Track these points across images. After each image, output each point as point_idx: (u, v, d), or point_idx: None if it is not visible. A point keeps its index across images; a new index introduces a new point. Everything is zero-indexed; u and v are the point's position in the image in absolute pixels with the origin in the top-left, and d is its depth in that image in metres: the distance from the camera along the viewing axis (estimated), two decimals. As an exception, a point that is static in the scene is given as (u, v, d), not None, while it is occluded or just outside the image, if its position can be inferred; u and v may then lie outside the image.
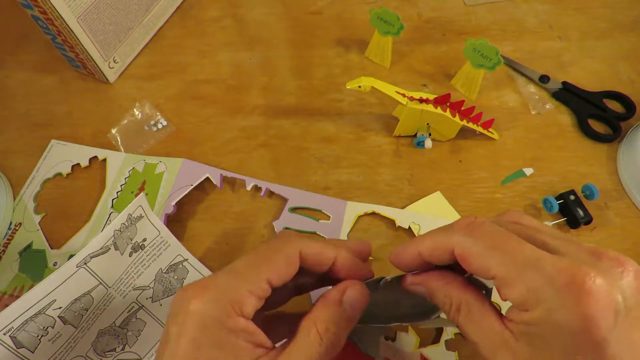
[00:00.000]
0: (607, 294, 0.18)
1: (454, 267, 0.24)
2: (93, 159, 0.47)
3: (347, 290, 0.25)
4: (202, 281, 0.24)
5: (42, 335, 0.33)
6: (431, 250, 0.24)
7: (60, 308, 0.33)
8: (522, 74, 0.51)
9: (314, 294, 0.36)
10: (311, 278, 0.29)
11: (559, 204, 0.41)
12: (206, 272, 0.40)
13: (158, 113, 0.50)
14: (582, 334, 0.18)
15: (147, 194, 0.44)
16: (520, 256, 0.20)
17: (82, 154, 0.47)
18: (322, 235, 0.42)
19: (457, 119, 0.43)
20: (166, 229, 0.40)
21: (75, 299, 0.34)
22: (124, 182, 0.45)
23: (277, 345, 0.24)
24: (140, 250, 0.39)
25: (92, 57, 0.48)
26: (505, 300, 0.21)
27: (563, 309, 0.18)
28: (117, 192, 0.44)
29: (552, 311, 0.19)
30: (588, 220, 0.41)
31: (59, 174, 0.46)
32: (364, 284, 0.26)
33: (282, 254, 0.25)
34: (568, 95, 0.49)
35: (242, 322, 0.23)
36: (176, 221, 0.43)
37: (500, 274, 0.20)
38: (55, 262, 0.41)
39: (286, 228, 0.42)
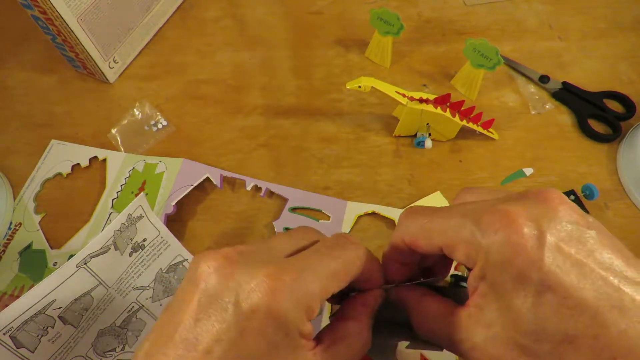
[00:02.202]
0: (524, 219, 0.19)
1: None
2: (93, 159, 0.47)
3: (379, 299, 0.26)
4: (274, 261, 0.21)
5: (42, 335, 0.33)
6: (392, 251, 0.25)
7: (60, 308, 0.33)
8: (522, 74, 0.51)
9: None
10: None
11: (559, 204, 0.41)
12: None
13: (158, 113, 0.50)
14: (517, 260, 0.18)
15: (147, 194, 0.44)
16: (453, 220, 0.21)
17: (82, 154, 0.47)
18: (322, 235, 0.42)
19: (457, 119, 0.43)
20: (166, 229, 0.40)
21: (75, 299, 0.34)
22: (124, 182, 0.45)
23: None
24: (140, 250, 0.39)
25: (92, 57, 0.48)
26: (459, 268, 0.21)
27: (494, 246, 0.19)
28: (117, 192, 0.44)
29: (489, 253, 0.19)
30: (588, 220, 0.41)
31: (59, 174, 0.46)
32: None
33: (353, 266, 0.23)
34: (568, 95, 0.49)
35: (309, 327, 0.21)
36: (176, 221, 0.43)
37: (441, 242, 0.21)
38: (55, 262, 0.41)
39: (286, 228, 0.42)
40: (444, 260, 0.27)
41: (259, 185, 0.44)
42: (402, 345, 0.30)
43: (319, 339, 0.23)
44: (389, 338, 0.28)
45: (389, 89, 0.43)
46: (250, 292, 0.19)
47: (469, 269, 0.21)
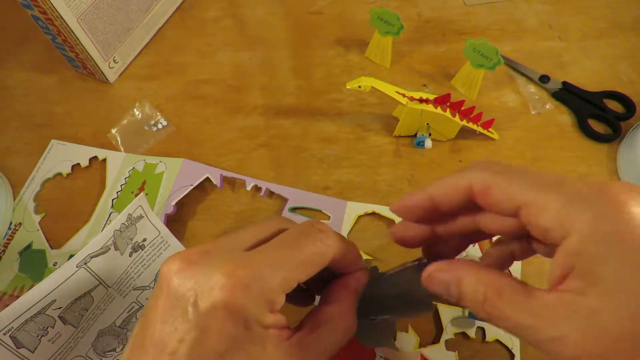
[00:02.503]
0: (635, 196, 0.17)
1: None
2: (93, 159, 0.47)
3: (361, 281, 0.25)
4: (233, 257, 0.21)
5: (42, 335, 0.33)
6: (444, 190, 0.22)
7: (60, 308, 0.33)
8: (522, 74, 0.51)
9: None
10: None
11: (559, 204, 0.41)
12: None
13: (158, 113, 0.50)
14: (629, 235, 0.16)
15: (147, 194, 0.44)
16: (544, 179, 0.19)
17: (82, 154, 0.47)
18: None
19: (457, 119, 0.43)
20: (166, 229, 0.40)
21: (75, 299, 0.34)
22: (124, 182, 0.45)
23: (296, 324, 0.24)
24: (140, 250, 0.39)
25: (92, 57, 0.48)
26: (535, 235, 0.19)
27: (603, 218, 0.17)
28: (117, 192, 0.44)
29: (594, 222, 0.17)
30: (588, 220, 0.41)
31: (59, 174, 0.46)
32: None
33: (320, 256, 0.23)
34: (568, 95, 0.49)
35: (273, 318, 0.21)
36: (176, 221, 0.43)
37: (527, 198, 0.19)
38: (55, 262, 0.41)
39: (286, 228, 0.42)
40: (462, 239, 0.25)
41: (259, 185, 0.44)
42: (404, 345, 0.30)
43: (299, 326, 0.23)
44: (376, 317, 0.28)
45: (389, 89, 0.43)
46: (208, 291, 0.20)
47: (543, 244, 0.19)
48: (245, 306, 0.20)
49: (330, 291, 0.25)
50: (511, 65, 0.52)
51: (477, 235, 0.25)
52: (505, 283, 0.19)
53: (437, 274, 0.22)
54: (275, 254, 0.22)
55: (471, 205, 0.22)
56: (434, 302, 0.27)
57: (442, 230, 0.24)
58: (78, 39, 0.46)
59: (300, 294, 0.29)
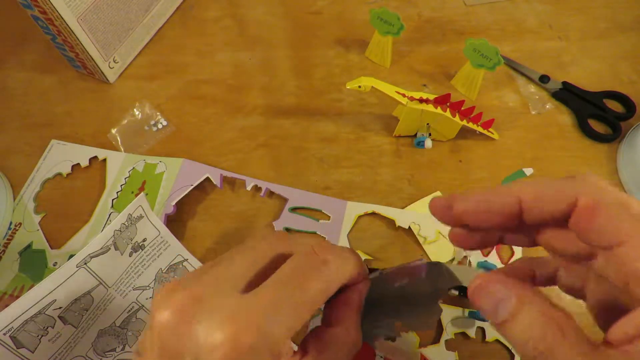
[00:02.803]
0: None
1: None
2: (93, 159, 0.47)
3: (363, 292, 0.25)
4: (231, 309, 0.19)
5: (42, 335, 0.33)
6: (543, 195, 0.18)
7: (60, 308, 0.33)
8: (522, 74, 0.51)
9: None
10: None
11: (559, 204, 0.41)
12: (206, 272, 0.40)
13: (158, 113, 0.50)
14: None
15: (147, 194, 0.44)
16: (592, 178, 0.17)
17: (82, 154, 0.47)
18: (321, 235, 0.42)
19: (457, 119, 0.43)
20: (166, 229, 0.40)
21: (75, 299, 0.34)
22: (124, 182, 0.45)
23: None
24: (140, 250, 0.39)
25: (92, 57, 0.48)
26: (613, 278, 0.16)
27: None
28: (117, 192, 0.44)
29: None
30: (588, 220, 0.41)
31: (59, 174, 0.46)
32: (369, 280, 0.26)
33: (326, 292, 0.21)
34: (568, 95, 0.49)
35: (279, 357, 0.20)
36: (176, 221, 0.43)
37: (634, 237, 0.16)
38: (55, 262, 0.41)
39: (286, 228, 0.42)
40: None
41: (259, 185, 0.44)
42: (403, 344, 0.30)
43: (304, 347, 0.22)
44: (380, 322, 0.28)
45: (389, 89, 0.43)
46: (208, 353, 0.18)
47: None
48: None
49: (333, 310, 0.24)
50: (511, 65, 0.52)
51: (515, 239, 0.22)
52: (571, 326, 0.17)
53: (490, 285, 0.19)
54: (277, 299, 0.20)
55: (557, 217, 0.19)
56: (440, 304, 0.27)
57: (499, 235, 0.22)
58: (78, 39, 0.46)
59: None
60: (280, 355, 0.20)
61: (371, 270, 0.27)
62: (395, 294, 0.27)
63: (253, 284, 0.21)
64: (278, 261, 0.22)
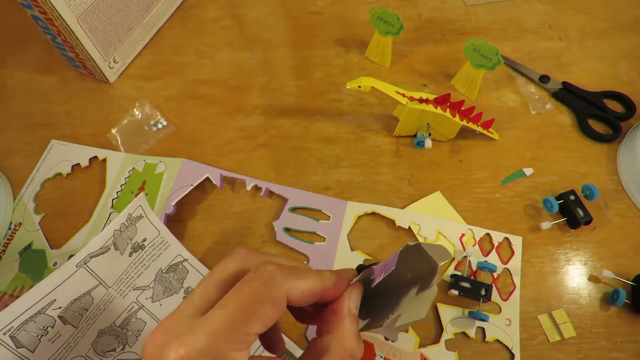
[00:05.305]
0: None
1: None
2: (93, 159, 0.47)
3: (352, 299, 0.25)
4: (181, 345, 0.21)
5: (42, 335, 0.33)
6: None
7: (60, 308, 0.33)
8: (522, 74, 0.51)
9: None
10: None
11: (559, 204, 0.41)
12: (206, 271, 0.40)
13: (158, 113, 0.50)
14: None
15: (147, 194, 0.44)
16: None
17: (82, 154, 0.47)
18: (321, 235, 0.42)
19: (457, 119, 0.43)
20: (166, 229, 0.40)
21: (75, 299, 0.34)
22: (124, 182, 0.45)
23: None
24: (140, 250, 0.39)
25: (92, 57, 0.48)
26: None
27: None
28: (117, 192, 0.44)
29: None
30: (588, 220, 0.41)
31: (59, 174, 0.46)
32: (360, 284, 0.26)
33: (268, 304, 0.22)
34: (568, 95, 0.49)
35: None
36: (176, 221, 0.43)
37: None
38: (55, 262, 0.41)
39: (286, 228, 0.42)
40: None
41: (259, 185, 0.44)
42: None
43: (302, 358, 0.23)
44: (381, 317, 0.28)
45: (389, 89, 0.43)
46: None
47: None
48: None
49: (323, 320, 0.25)
50: (511, 65, 0.52)
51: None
52: None
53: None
54: (222, 319, 0.21)
55: None
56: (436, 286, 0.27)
57: None
58: (78, 39, 0.46)
59: (298, 312, 0.28)
60: None
61: (366, 267, 0.27)
62: (383, 289, 0.27)
63: (212, 304, 0.23)
64: (241, 275, 0.24)
